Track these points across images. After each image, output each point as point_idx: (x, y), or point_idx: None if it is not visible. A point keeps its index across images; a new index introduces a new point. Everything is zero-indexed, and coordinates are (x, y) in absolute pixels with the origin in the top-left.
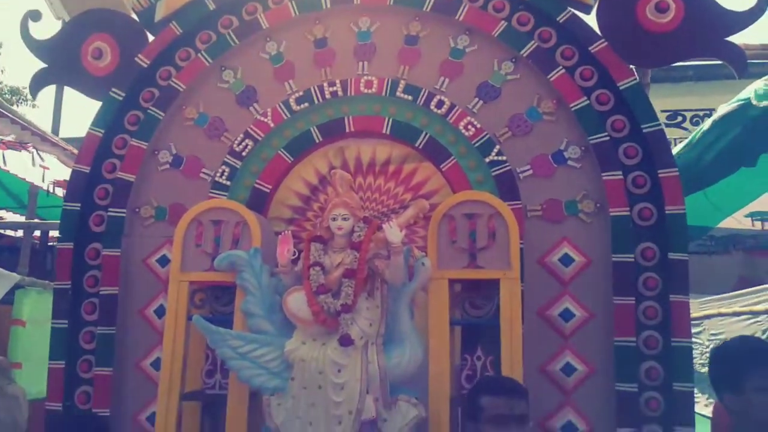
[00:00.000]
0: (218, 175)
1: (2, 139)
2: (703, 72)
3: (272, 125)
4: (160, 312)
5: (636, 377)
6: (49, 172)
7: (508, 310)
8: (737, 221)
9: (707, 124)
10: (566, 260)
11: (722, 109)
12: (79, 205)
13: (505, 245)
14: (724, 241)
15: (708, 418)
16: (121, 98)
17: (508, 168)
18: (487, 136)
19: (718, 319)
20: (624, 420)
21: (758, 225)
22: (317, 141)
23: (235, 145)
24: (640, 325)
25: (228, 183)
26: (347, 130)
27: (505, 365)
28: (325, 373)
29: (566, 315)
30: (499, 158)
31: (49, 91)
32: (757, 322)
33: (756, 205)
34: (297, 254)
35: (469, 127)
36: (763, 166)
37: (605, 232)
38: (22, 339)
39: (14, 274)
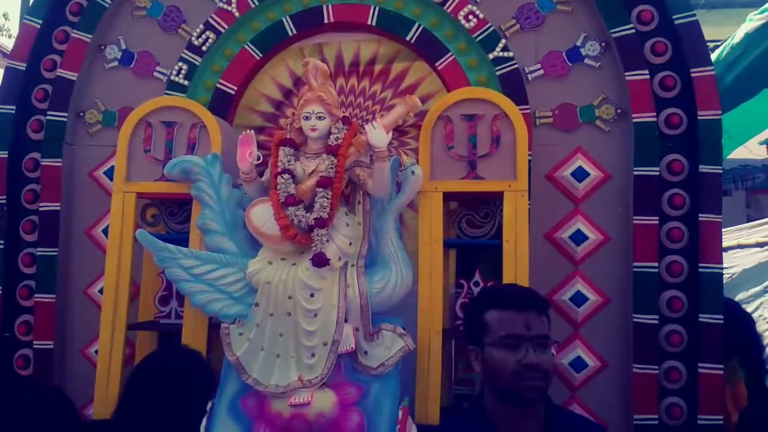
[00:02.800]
0: (174, 73)
1: None
2: (715, 0)
3: (237, 15)
4: None
5: (656, 308)
6: None
7: (513, 228)
8: (748, 150)
9: (737, 37)
10: (580, 174)
11: (754, 21)
12: (14, 107)
13: (511, 152)
14: (733, 175)
15: None
16: None
17: (514, 66)
18: (492, 29)
19: (733, 251)
20: (641, 356)
21: None
22: (291, 34)
23: (194, 39)
24: (663, 249)
25: (186, 83)
26: (326, 21)
27: None
28: (296, 298)
29: (578, 237)
30: (505, 55)
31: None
32: None
33: None
34: (262, 159)
35: (470, 17)
36: None
37: (626, 143)
38: None
39: None
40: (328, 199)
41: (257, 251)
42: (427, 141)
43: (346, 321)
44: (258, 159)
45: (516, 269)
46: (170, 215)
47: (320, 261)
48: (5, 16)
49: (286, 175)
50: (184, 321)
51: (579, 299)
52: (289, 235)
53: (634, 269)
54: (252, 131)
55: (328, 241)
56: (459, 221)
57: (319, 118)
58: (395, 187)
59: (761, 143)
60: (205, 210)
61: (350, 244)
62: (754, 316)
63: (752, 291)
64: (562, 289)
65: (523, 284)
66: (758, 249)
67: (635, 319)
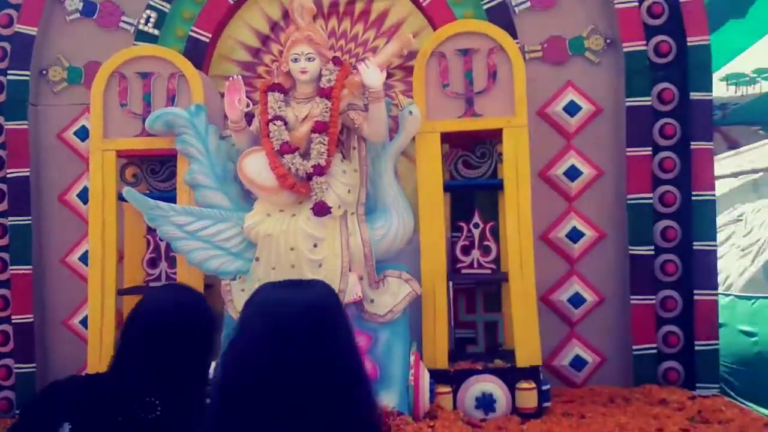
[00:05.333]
0: (142, 23)
1: None
2: None
3: None
4: (85, 196)
5: (651, 239)
6: None
7: (514, 165)
8: None
9: None
10: (572, 108)
11: None
12: None
13: (508, 87)
14: None
15: None
16: None
17: None
18: None
19: None
20: (638, 287)
21: (733, 90)
22: None
23: None
24: (656, 180)
25: (156, 32)
26: None
27: (511, 232)
28: (299, 249)
29: (572, 173)
30: None
31: None
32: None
33: (731, 67)
34: (251, 107)
35: None
36: (751, 19)
37: (617, 74)
38: None
39: None
40: (324, 144)
41: (251, 205)
42: (422, 80)
43: (350, 270)
44: (248, 106)
45: (519, 207)
46: (152, 173)
47: (322, 209)
48: None
49: (278, 122)
50: (177, 281)
51: (575, 235)
52: (287, 185)
53: (629, 201)
54: (239, 76)
55: (327, 189)
56: (455, 163)
57: (309, 59)
58: (388, 130)
59: (721, 79)
60: (193, 164)
61: (349, 191)
62: (727, 244)
63: (725, 219)
64: (558, 227)
65: (526, 221)
66: (732, 178)
67: (631, 252)
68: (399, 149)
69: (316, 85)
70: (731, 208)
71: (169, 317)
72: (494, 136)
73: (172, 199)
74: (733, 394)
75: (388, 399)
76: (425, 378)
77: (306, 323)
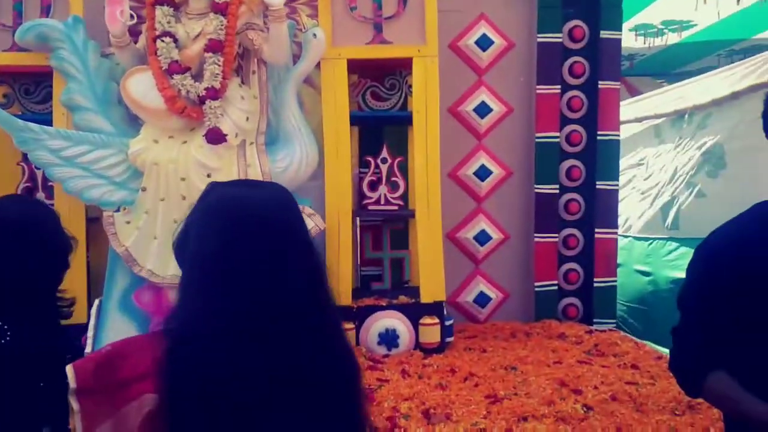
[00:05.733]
0: None
1: None
2: None
3: None
4: None
5: (556, 178)
6: None
7: (423, 98)
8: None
9: None
10: (484, 43)
11: None
12: None
13: (420, 14)
14: None
15: None
16: None
17: None
18: None
19: None
20: (542, 226)
21: (641, 41)
22: None
23: None
24: (563, 119)
25: None
26: None
27: (419, 168)
28: (190, 180)
29: (482, 110)
30: None
31: None
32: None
33: (641, 18)
34: (136, 20)
35: None
36: None
37: (530, 8)
38: None
39: None
40: (219, 65)
41: (137, 130)
42: (328, 1)
43: None
44: (132, 19)
45: (427, 142)
46: (25, 93)
47: (215, 137)
48: None
49: (167, 39)
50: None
51: (483, 173)
52: (176, 108)
53: (537, 140)
54: None
55: (222, 114)
56: (363, 94)
57: None
58: (291, 54)
59: (630, 30)
60: (71, 83)
61: (247, 119)
62: (627, 187)
63: (627, 164)
64: (467, 164)
65: (434, 156)
66: (636, 123)
67: (536, 190)
68: (302, 75)
69: (211, 0)
70: (633, 153)
71: (12, 224)
72: (404, 67)
73: (48, 122)
74: (627, 330)
75: None
76: None
77: (279, 218)
